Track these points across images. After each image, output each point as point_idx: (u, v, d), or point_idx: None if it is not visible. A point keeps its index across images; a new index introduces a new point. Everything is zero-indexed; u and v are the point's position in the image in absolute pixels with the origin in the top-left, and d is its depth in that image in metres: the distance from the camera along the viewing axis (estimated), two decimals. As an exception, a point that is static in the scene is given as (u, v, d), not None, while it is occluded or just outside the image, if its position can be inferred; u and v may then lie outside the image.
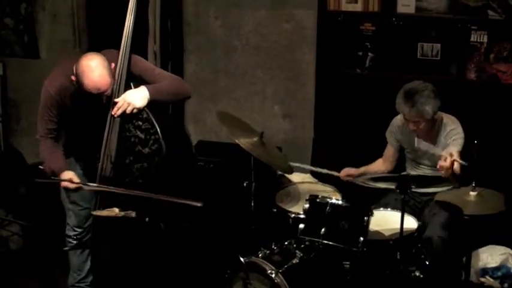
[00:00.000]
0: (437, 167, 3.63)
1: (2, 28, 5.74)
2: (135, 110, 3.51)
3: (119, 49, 3.59)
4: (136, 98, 3.50)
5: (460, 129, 3.93)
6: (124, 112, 3.50)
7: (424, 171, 4.05)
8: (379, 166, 4.26)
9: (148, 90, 3.53)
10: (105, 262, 3.90)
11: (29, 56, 5.72)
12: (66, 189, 3.67)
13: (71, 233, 3.90)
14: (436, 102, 3.81)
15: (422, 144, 4.01)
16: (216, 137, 5.28)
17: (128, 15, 3.64)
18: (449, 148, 3.79)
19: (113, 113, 3.53)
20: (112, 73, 3.48)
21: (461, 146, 3.83)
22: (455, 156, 3.64)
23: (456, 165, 3.63)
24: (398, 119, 4.11)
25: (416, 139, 4.00)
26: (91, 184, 3.62)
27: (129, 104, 3.49)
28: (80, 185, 3.60)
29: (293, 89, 5.19)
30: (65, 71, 3.59)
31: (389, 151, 4.23)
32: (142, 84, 3.59)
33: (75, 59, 3.55)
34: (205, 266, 4.13)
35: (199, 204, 3.42)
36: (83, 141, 3.69)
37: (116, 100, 3.52)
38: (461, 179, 3.66)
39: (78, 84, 3.43)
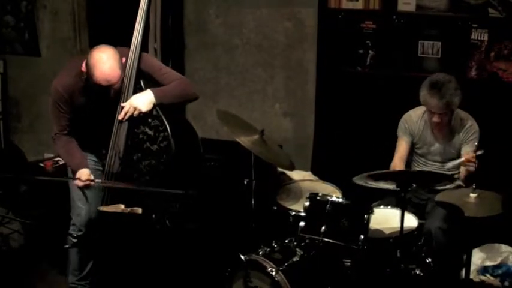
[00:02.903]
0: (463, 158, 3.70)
1: (2, 26, 5.74)
2: (141, 114, 3.53)
3: (127, 47, 3.59)
4: (142, 102, 3.52)
5: (477, 126, 3.98)
6: (131, 116, 3.53)
7: (433, 167, 4.05)
8: (400, 166, 4.11)
9: (154, 94, 3.54)
10: (105, 260, 3.91)
11: (30, 53, 5.72)
12: (78, 187, 3.68)
13: (75, 233, 3.88)
14: (460, 92, 3.85)
15: (438, 141, 4.01)
16: (217, 135, 5.28)
17: (139, 12, 3.64)
18: (467, 149, 3.84)
19: (119, 118, 3.55)
20: (122, 67, 3.48)
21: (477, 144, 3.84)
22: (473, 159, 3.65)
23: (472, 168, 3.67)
24: (412, 115, 4.09)
25: (432, 135, 4.00)
26: (97, 180, 3.64)
27: (135, 109, 3.52)
28: (88, 182, 3.62)
29: (294, 87, 5.19)
30: (72, 68, 3.61)
31: (404, 148, 4.10)
32: (152, 82, 3.60)
33: (84, 57, 3.56)
34: (205, 264, 4.13)
35: (180, 192, 3.46)
36: (92, 137, 3.70)
37: (122, 104, 3.54)
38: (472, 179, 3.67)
39: (88, 76, 3.43)
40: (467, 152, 3.82)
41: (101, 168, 3.75)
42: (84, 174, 3.64)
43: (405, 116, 4.13)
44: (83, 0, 5.51)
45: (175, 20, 5.32)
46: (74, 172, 3.69)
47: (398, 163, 4.11)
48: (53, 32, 5.64)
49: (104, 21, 5.37)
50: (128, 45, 3.62)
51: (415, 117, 4.08)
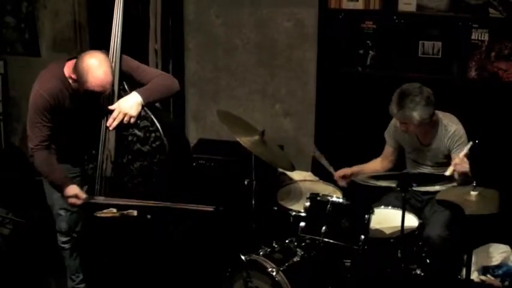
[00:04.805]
0: (452, 164, 3.63)
1: (3, 26, 5.74)
2: (132, 120, 3.47)
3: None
4: (130, 106, 3.46)
5: (462, 130, 3.91)
6: (121, 122, 3.46)
7: (425, 171, 4.04)
8: (376, 165, 4.22)
9: (141, 95, 3.49)
10: (104, 261, 3.91)
11: (30, 54, 5.71)
12: (72, 204, 3.59)
13: (64, 239, 3.87)
14: (426, 109, 3.76)
15: (424, 146, 4.00)
16: (217, 135, 5.28)
17: (115, 11, 3.59)
18: (456, 154, 3.76)
19: (107, 125, 3.47)
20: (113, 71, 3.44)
21: (467, 149, 3.82)
22: (464, 160, 3.65)
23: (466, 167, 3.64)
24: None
25: (418, 141, 4.00)
26: (98, 198, 3.56)
27: (125, 115, 3.45)
28: (87, 200, 3.53)
29: (294, 87, 5.19)
30: (55, 73, 3.51)
31: (388, 150, 4.21)
32: (132, 82, 3.55)
33: (62, 62, 3.51)
34: (206, 264, 4.13)
35: (211, 209, 3.42)
36: (73, 143, 3.62)
37: (110, 108, 3.47)
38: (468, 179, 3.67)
39: (79, 83, 3.36)
40: (461, 155, 3.70)
41: (76, 174, 3.69)
42: (77, 191, 3.53)
43: (392, 121, 4.12)
44: (83, 1, 5.51)
45: (176, 20, 5.32)
46: (60, 187, 3.57)
47: (374, 162, 4.23)
48: (54, 32, 5.63)
49: (104, 21, 5.36)
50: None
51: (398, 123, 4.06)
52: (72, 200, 3.54)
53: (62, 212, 3.79)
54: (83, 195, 3.53)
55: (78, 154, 3.63)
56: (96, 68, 3.32)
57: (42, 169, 3.57)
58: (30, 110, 3.50)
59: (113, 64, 3.49)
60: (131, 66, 3.60)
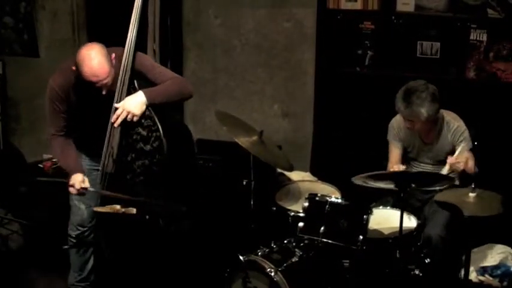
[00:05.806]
0: (448, 160, 3.65)
1: (1, 27, 5.74)
2: (135, 118, 3.50)
3: (122, 47, 3.58)
4: (134, 105, 3.49)
5: (464, 126, 3.93)
6: (125, 119, 3.50)
7: (426, 170, 4.04)
8: None
9: (145, 95, 3.50)
10: (105, 261, 3.91)
11: (29, 54, 5.72)
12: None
13: (74, 232, 3.89)
14: (433, 105, 3.77)
15: (427, 144, 4.00)
16: (216, 135, 5.28)
17: (134, 11, 3.62)
18: (460, 150, 3.75)
19: (112, 121, 3.52)
20: (112, 63, 3.46)
21: (470, 144, 3.84)
22: (470, 160, 3.67)
23: (470, 164, 3.67)
24: (397, 120, 4.07)
25: (420, 138, 4.00)
26: (91, 189, 3.63)
27: (128, 113, 3.49)
28: (81, 190, 3.61)
29: (293, 87, 5.19)
30: (67, 68, 3.58)
31: (395, 154, 4.08)
32: (146, 81, 3.58)
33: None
34: (204, 264, 4.13)
35: (183, 208, 3.46)
36: (89, 137, 3.69)
37: (116, 105, 3.51)
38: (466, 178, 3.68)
39: (78, 74, 3.42)
40: (455, 155, 3.74)
41: (97, 167, 3.73)
42: (77, 180, 3.61)
43: (392, 120, 4.10)
44: (81, 1, 5.52)
45: (174, 20, 5.32)
46: (69, 175, 3.66)
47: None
48: (52, 33, 5.64)
49: (103, 22, 5.38)
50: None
51: (402, 122, 4.03)
52: (70, 189, 3.64)
53: (78, 204, 3.85)
54: (78, 185, 3.60)
55: (95, 148, 3.67)
56: (90, 58, 3.38)
57: (55, 154, 3.82)
58: (45, 101, 3.67)
59: (126, 62, 3.54)
60: (145, 65, 3.64)
